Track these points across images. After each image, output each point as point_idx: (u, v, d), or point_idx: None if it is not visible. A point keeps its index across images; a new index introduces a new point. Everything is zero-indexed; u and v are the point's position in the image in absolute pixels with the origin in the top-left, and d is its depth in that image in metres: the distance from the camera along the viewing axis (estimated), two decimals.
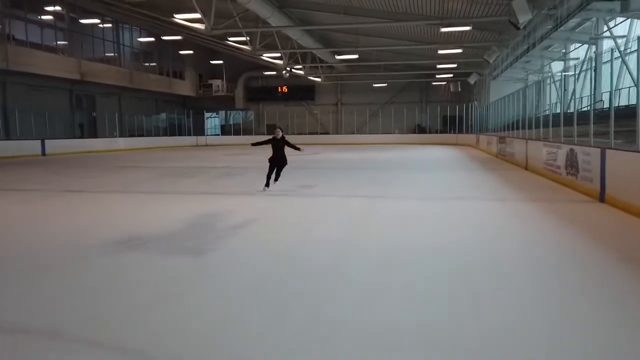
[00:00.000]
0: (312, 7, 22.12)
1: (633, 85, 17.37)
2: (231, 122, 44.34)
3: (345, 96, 45.04)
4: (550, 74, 28.96)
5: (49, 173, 15.96)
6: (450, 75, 37.02)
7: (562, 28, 18.49)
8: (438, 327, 3.43)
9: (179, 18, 19.49)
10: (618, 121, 8.92)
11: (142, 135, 36.12)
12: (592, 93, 20.68)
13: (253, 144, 11.21)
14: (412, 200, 9.40)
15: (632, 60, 18.40)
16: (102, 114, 33.37)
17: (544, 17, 20.04)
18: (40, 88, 28.81)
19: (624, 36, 19.60)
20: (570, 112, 23.00)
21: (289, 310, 3.74)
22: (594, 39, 19.03)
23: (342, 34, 27.86)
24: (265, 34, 25.69)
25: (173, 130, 40.60)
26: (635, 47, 17.92)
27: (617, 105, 19.43)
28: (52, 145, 26.88)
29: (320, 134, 43.00)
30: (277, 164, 10.32)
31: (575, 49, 25.48)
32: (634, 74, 15.58)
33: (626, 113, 11.08)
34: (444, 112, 39.64)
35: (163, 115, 40.32)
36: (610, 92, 10.74)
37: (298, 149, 10.91)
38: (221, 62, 42.39)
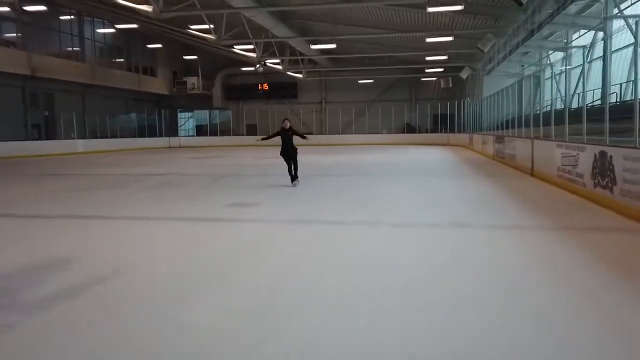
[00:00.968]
0: None
1: None
2: (207, 123, 41.27)
3: (330, 94, 42.21)
4: (550, 64, 26.32)
5: None
6: (441, 70, 34.27)
7: (565, 11, 15.85)
8: None
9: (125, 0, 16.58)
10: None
11: (107, 137, 33.03)
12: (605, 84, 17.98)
13: (263, 139, 11.21)
14: (384, 228, 6.56)
15: None
16: (64, 114, 30.22)
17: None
18: None
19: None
20: (575, 108, 20.38)
21: None
22: (608, 19, 16.27)
23: (320, 24, 25.03)
24: (234, 23, 22.79)
25: (147, 131, 37.59)
26: None
27: (625, 98, 16.82)
28: None
29: (304, 134, 40.18)
30: (289, 154, 10.51)
31: (580, 36, 22.82)
32: None
33: None
34: (435, 110, 36.92)
35: (133, 115, 37.24)
36: (635, 81, 8.00)
37: (305, 137, 11.09)
38: (195, 57, 39.44)
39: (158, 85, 39.57)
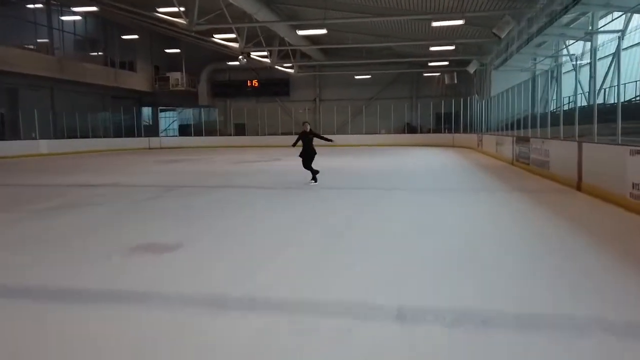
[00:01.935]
0: None
1: None
2: (191, 122, 38.08)
3: (324, 91, 39.09)
4: (574, 55, 23.23)
5: None
6: (446, 64, 31.14)
7: None
8: None
9: None
10: None
11: (77, 137, 29.84)
12: None
13: (293, 145, 11.53)
14: (377, 330, 3.49)
15: None
16: (27, 112, 27.03)
17: None
18: None
19: None
20: (609, 104, 17.35)
21: None
22: None
23: (309, 10, 21.88)
24: (211, 7, 19.66)
25: (125, 131, 34.46)
26: None
27: None
28: None
29: (296, 134, 37.01)
30: (308, 155, 10.95)
31: (608, 22, 19.76)
32: None
33: None
34: (438, 108, 33.81)
35: (108, 114, 34.05)
36: None
37: (327, 139, 11.49)
38: (178, 50, 36.33)
39: (138, 81, 36.38)
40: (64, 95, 30.59)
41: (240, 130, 38.82)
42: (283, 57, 31.78)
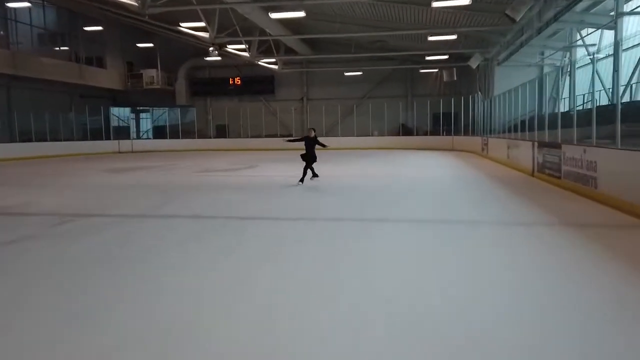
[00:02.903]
0: None
1: None
2: (166, 123, 34.81)
3: (312, 89, 35.96)
4: (595, 48, 20.27)
5: None
6: (445, 57, 28.08)
7: None
8: None
9: None
10: None
11: (31, 141, 26.56)
12: None
13: (288, 140, 13.15)
14: None
15: None
16: None
17: None
18: None
19: None
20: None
21: None
22: None
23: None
24: None
25: (94, 133, 31.22)
26: None
27: None
28: None
29: (281, 136, 33.67)
30: (310, 159, 11.80)
31: (636, 6, 16.81)
32: None
33: None
34: (435, 108, 30.77)
35: (72, 114, 30.78)
36: None
37: (324, 145, 11.88)
38: (152, 45, 33.13)
39: (107, 78, 33.09)
40: (22, 95, 27.34)
41: (221, 132, 35.72)
42: (265, 51, 28.64)
